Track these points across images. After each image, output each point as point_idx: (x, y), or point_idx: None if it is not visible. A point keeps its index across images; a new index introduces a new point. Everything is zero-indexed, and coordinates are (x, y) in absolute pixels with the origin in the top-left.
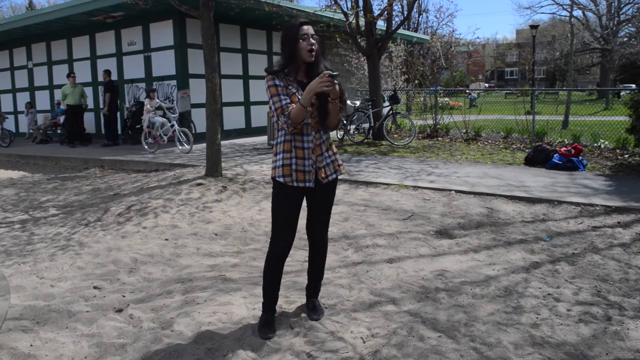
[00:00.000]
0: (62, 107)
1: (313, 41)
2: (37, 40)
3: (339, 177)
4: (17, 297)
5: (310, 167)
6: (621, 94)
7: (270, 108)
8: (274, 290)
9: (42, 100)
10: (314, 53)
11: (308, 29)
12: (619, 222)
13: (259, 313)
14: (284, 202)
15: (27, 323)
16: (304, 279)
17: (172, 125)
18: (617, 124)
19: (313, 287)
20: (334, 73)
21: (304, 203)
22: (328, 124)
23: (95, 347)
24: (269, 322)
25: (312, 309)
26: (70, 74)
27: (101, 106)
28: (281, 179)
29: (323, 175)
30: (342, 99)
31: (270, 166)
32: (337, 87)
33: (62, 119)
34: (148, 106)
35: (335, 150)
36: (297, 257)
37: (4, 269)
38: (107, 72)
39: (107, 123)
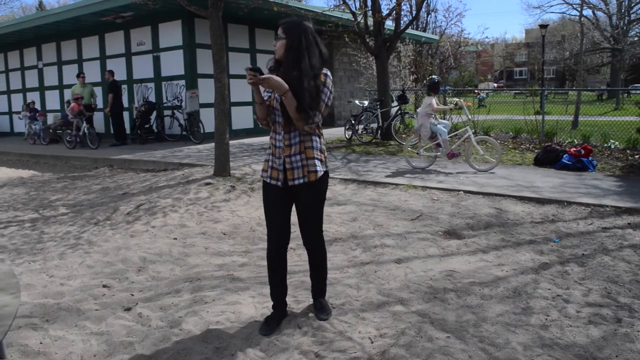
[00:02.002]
0: None
1: (275, 41)
2: (47, 40)
3: (316, 180)
4: (27, 295)
5: (279, 166)
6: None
7: None
8: (273, 288)
9: (52, 100)
10: (275, 52)
11: (280, 29)
12: (629, 223)
13: (268, 312)
14: (265, 198)
15: (37, 321)
16: None
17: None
18: (628, 124)
19: (317, 288)
20: (255, 67)
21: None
22: (294, 122)
23: (104, 345)
24: (269, 319)
25: (320, 309)
26: (80, 74)
27: (100, 106)
28: (261, 174)
29: (290, 177)
30: (300, 97)
31: None
32: (270, 81)
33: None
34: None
35: (310, 155)
36: (305, 257)
37: (14, 267)
38: (111, 72)
39: (115, 123)
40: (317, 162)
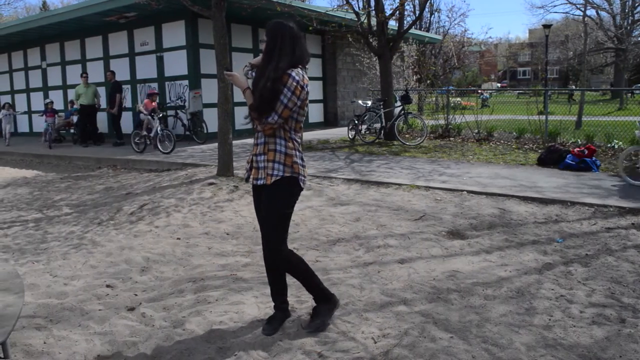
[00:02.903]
0: (76, 106)
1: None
2: (51, 40)
3: (270, 184)
4: (31, 295)
5: (249, 163)
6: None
7: None
8: (271, 288)
9: (56, 99)
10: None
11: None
12: (633, 224)
13: (271, 312)
14: (253, 198)
15: (41, 321)
16: None
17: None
18: (631, 124)
19: (309, 293)
20: (227, 67)
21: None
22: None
23: (108, 345)
24: (271, 319)
25: (312, 316)
26: (84, 74)
27: (104, 106)
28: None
29: (254, 175)
30: (257, 94)
31: None
32: (233, 78)
33: (75, 118)
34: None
35: (271, 158)
36: (307, 258)
37: (18, 267)
38: (113, 73)
39: (118, 122)
40: (277, 166)
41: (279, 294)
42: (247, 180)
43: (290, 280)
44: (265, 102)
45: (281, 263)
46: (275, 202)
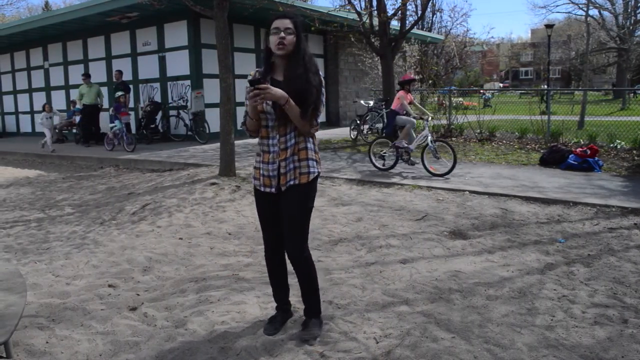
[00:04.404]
0: (78, 106)
1: (283, 35)
2: (53, 40)
3: (308, 182)
4: (33, 295)
5: (274, 171)
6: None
7: None
8: (274, 289)
9: (58, 99)
10: (282, 47)
11: (280, 22)
12: (635, 224)
13: (273, 312)
14: (258, 205)
15: (43, 320)
16: None
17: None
18: (634, 124)
19: (305, 304)
20: (255, 79)
21: None
22: (300, 129)
23: (110, 344)
24: (273, 319)
25: (305, 326)
26: (83, 75)
27: (106, 106)
28: (253, 181)
29: (283, 182)
30: (305, 103)
31: None
32: (272, 92)
33: (77, 118)
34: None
35: (303, 156)
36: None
37: (20, 267)
38: (120, 72)
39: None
40: (312, 163)
41: (281, 295)
42: (259, 192)
43: (292, 281)
44: (316, 108)
45: (303, 262)
46: (307, 200)
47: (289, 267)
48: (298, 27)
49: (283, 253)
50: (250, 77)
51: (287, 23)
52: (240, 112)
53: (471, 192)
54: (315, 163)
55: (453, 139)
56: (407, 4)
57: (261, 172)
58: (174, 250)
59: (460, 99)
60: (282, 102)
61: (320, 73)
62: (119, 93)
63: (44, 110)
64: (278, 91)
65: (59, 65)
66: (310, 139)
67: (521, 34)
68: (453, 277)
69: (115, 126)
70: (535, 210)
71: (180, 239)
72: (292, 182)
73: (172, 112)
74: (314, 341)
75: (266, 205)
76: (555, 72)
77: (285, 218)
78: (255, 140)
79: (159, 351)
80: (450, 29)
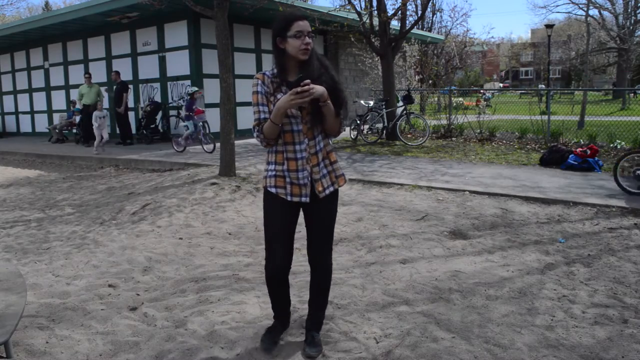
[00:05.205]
0: (78, 106)
1: (309, 40)
2: (53, 40)
3: (345, 184)
4: (33, 295)
5: (305, 179)
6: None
7: None
8: (278, 305)
9: (58, 100)
10: (307, 52)
11: (303, 25)
12: (635, 224)
13: (273, 313)
14: (276, 216)
15: (43, 320)
16: None
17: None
18: (634, 124)
19: (314, 318)
20: (305, 80)
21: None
22: (328, 130)
23: (110, 344)
24: (271, 329)
25: (310, 342)
26: (86, 74)
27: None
28: (273, 190)
29: (320, 188)
30: (338, 100)
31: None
32: (316, 91)
33: (77, 118)
34: None
35: (334, 158)
36: None
37: (20, 267)
38: (118, 73)
39: (122, 122)
40: (340, 165)
41: (283, 306)
42: (282, 201)
43: (292, 281)
44: (346, 106)
45: (329, 272)
46: (336, 206)
47: (301, 266)
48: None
49: (288, 272)
50: (257, 80)
51: (308, 26)
52: (241, 112)
53: (471, 192)
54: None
55: (453, 138)
56: (407, 4)
57: (288, 180)
58: (174, 250)
59: (461, 99)
60: (324, 99)
61: None
62: (193, 89)
63: (95, 109)
64: (321, 87)
65: (59, 65)
66: (330, 141)
67: (521, 34)
68: (453, 277)
69: (187, 128)
70: (535, 210)
71: (181, 239)
72: (331, 188)
73: (172, 112)
74: (318, 354)
75: (288, 215)
76: (556, 72)
77: (318, 226)
78: (255, 140)
79: (159, 351)
80: (451, 29)
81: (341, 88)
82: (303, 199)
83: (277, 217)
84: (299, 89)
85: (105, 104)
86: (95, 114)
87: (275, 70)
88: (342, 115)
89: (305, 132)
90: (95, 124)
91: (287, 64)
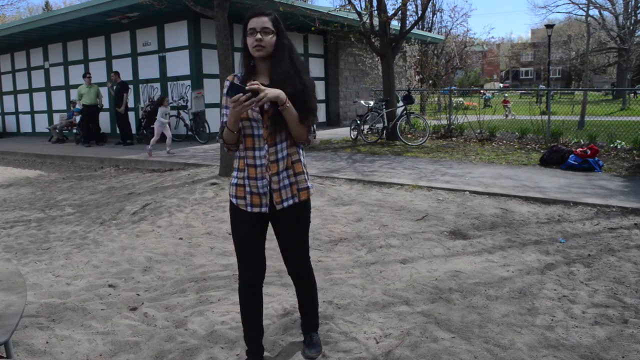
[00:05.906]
0: (78, 106)
1: (260, 37)
2: (53, 40)
3: (310, 197)
4: (33, 295)
5: (265, 188)
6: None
7: None
8: (247, 331)
9: (58, 100)
10: (261, 49)
11: (256, 21)
12: (635, 224)
13: (273, 312)
14: (241, 228)
15: (43, 320)
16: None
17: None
18: (634, 124)
19: (308, 321)
20: (237, 86)
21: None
22: (295, 137)
23: (110, 344)
24: None
25: (309, 344)
26: (87, 74)
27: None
28: (234, 200)
29: (278, 199)
30: (305, 106)
31: None
32: (270, 95)
33: (77, 118)
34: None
35: (299, 169)
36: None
37: (20, 267)
38: (117, 73)
39: (122, 122)
40: (306, 177)
41: (256, 334)
42: (242, 212)
43: (286, 281)
44: (315, 112)
45: (312, 281)
46: (307, 219)
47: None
48: (278, 23)
49: (262, 285)
50: (227, 82)
51: (264, 22)
52: None
53: (471, 192)
54: (307, 177)
55: (453, 139)
56: (407, 4)
57: (247, 189)
58: (174, 250)
59: (461, 99)
60: (282, 103)
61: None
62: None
63: (160, 104)
64: (275, 90)
65: (59, 65)
66: (301, 150)
67: (521, 34)
68: (453, 277)
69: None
70: (535, 210)
71: (181, 238)
72: (291, 201)
73: (173, 112)
74: (318, 355)
75: (251, 227)
76: (556, 72)
77: (286, 239)
78: None
79: (159, 351)
80: (451, 29)
81: (310, 94)
82: (263, 209)
83: (242, 230)
84: (235, 97)
85: (106, 103)
86: (161, 109)
87: (242, 74)
88: (311, 121)
89: (266, 137)
90: (164, 120)
91: (250, 63)
